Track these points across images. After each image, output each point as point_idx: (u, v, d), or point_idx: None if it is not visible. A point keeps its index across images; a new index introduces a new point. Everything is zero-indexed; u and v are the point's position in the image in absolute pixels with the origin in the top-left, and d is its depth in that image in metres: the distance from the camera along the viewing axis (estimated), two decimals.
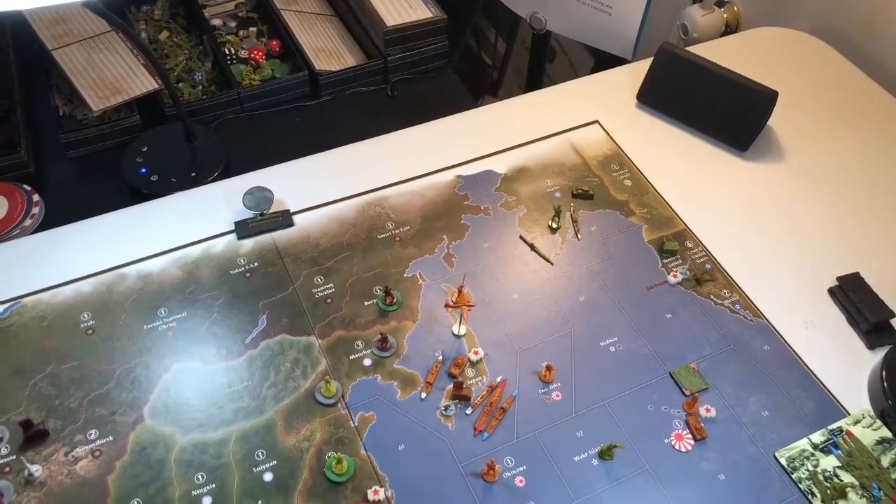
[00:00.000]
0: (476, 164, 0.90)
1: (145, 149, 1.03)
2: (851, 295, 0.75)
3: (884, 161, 0.91)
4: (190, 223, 0.82)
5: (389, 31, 1.12)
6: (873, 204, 0.87)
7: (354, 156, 0.91)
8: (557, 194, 0.87)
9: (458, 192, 0.87)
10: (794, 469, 0.64)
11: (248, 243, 0.81)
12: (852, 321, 0.75)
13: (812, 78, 1.03)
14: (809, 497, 0.63)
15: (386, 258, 0.80)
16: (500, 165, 0.90)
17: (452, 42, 1.20)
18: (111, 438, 0.66)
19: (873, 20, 1.08)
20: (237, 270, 0.79)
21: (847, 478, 0.63)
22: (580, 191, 0.87)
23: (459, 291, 0.75)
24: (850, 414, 0.68)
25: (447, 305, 0.76)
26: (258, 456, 0.66)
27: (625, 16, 1.08)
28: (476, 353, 0.72)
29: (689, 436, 0.66)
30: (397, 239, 0.82)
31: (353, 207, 0.85)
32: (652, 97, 0.96)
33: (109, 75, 1.08)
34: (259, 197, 0.84)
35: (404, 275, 0.79)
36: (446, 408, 0.69)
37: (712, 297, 0.77)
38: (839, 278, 0.77)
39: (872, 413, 0.68)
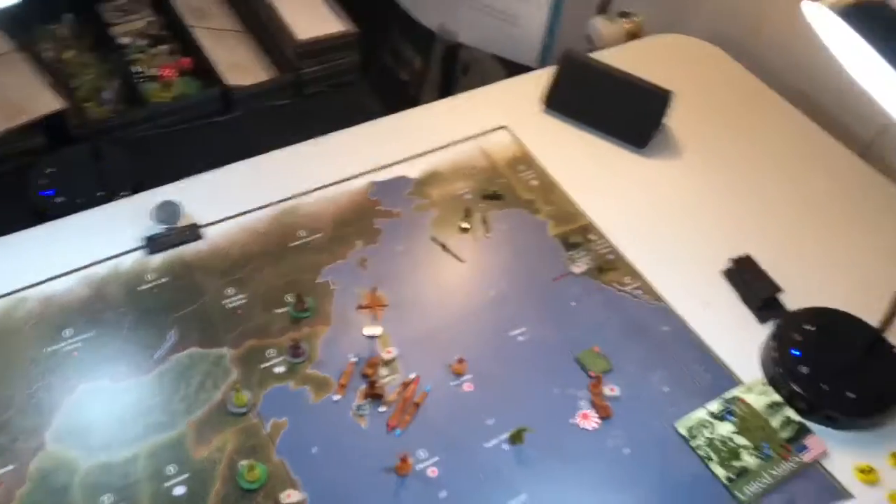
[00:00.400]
0: (389, 170, 0.93)
1: (51, 170, 1.02)
2: (743, 274, 0.81)
3: (769, 153, 0.99)
4: (96, 241, 0.82)
5: (301, 45, 1.15)
6: (761, 191, 0.94)
7: (266, 166, 0.92)
8: (468, 196, 0.91)
9: (371, 197, 0.90)
10: (693, 437, 0.69)
11: (158, 258, 0.81)
12: (745, 299, 0.81)
13: (706, 80, 1.11)
14: (707, 461, 0.67)
15: (298, 265, 0.82)
16: (413, 170, 0.93)
17: (367, 55, 1.23)
18: (11, 467, 0.65)
19: (759, 27, 1.18)
20: (146, 286, 0.79)
21: (741, 441, 0.68)
22: (490, 192, 0.91)
23: (372, 293, 0.77)
24: (743, 383, 0.73)
25: (360, 307, 0.78)
26: (169, 471, 0.65)
27: (530, 26, 1.14)
28: (389, 352, 0.74)
29: (595, 415, 0.70)
30: (309, 246, 0.84)
31: (264, 217, 0.86)
32: (557, 101, 1.01)
33: (12, 95, 1.07)
34: (167, 211, 0.84)
35: (317, 281, 0.80)
36: (359, 407, 0.70)
37: (615, 284, 0.82)
38: (732, 260, 0.83)
39: (764, 381, 0.73)
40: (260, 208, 0.87)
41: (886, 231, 0.91)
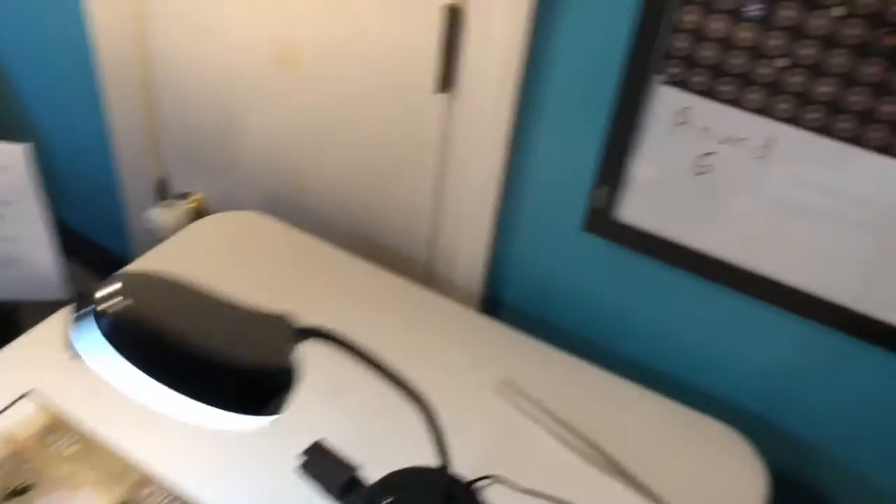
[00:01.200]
0: None
1: None
2: (317, 465, 0.81)
3: (333, 302, 1.04)
4: None
5: None
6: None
7: None
8: None
9: None
10: None
11: None
12: (328, 490, 0.80)
13: (260, 249, 1.14)
14: None
15: None
16: None
17: None
18: None
19: (301, 188, 1.28)
20: None
21: None
22: (14, 489, 0.79)
23: None
24: None
25: None
26: None
27: (37, 262, 1.07)
28: None
29: None
30: None
31: None
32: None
33: None
34: None
35: None
36: None
37: None
38: (304, 452, 0.83)
39: None
40: None
41: (448, 351, 1.01)
